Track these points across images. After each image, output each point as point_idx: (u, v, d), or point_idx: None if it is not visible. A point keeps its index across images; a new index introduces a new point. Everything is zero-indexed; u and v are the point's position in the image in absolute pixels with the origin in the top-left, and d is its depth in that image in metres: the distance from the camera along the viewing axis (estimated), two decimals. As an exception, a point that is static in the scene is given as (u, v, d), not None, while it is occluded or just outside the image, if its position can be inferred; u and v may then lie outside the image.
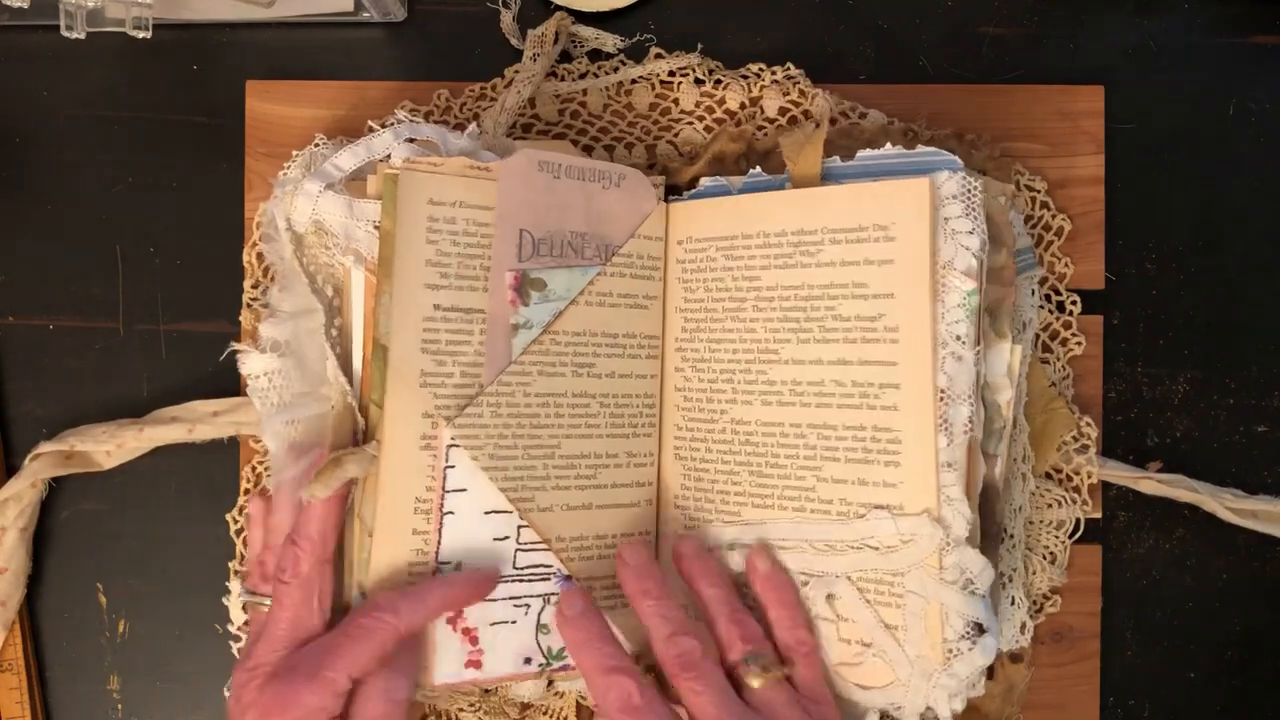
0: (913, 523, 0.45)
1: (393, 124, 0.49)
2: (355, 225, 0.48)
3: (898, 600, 0.46)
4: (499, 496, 0.48)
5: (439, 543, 0.47)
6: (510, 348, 0.49)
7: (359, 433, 0.47)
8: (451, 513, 0.48)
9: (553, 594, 0.50)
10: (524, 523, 0.49)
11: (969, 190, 0.46)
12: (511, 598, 0.49)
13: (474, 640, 0.48)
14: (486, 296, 0.48)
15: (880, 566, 0.46)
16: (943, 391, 0.45)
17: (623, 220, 0.51)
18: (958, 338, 0.45)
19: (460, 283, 0.48)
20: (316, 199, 0.48)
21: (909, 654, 0.46)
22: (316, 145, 0.51)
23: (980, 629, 0.45)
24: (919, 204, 0.46)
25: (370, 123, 0.50)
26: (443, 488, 0.47)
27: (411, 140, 0.48)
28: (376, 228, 0.47)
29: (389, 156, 0.48)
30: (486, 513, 0.48)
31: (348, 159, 0.48)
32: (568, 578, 0.50)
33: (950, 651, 0.45)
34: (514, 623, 0.49)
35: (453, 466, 0.47)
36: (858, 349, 0.47)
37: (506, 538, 0.49)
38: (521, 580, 0.49)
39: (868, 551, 0.46)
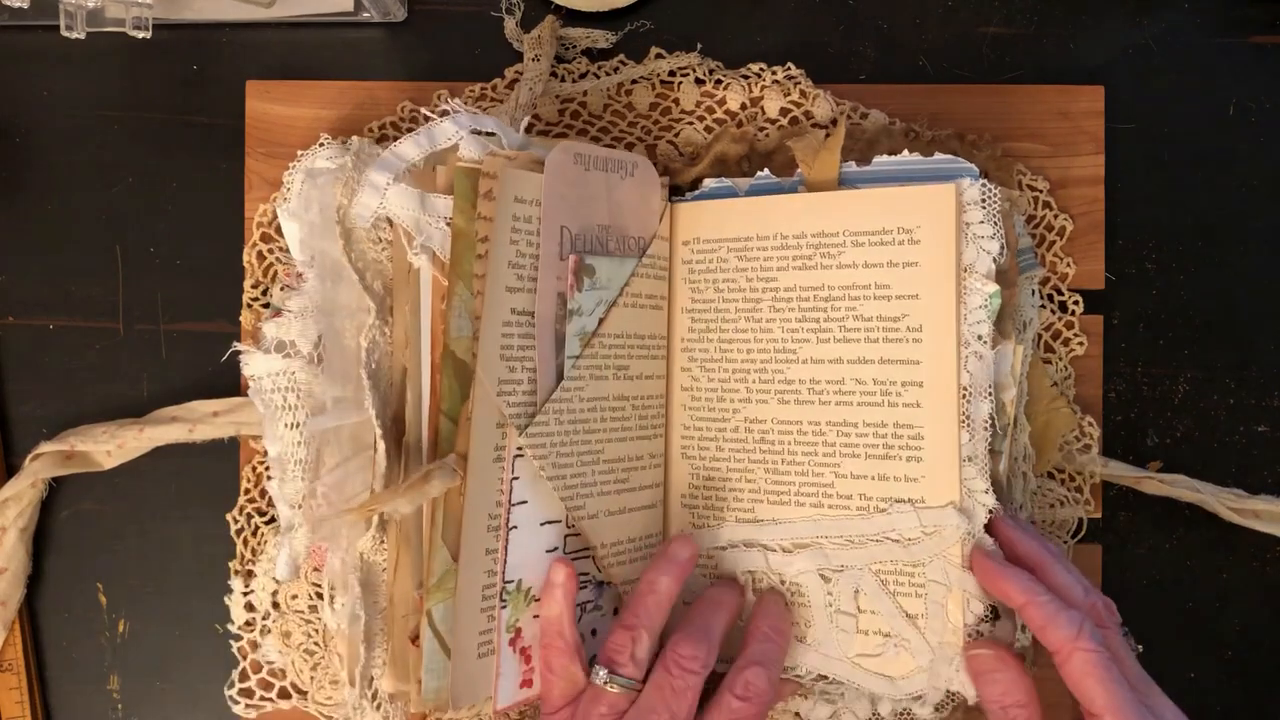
0: (936, 514, 0.46)
1: (448, 112, 0.46)
2: (428, 221, 0.44)
3: (918, 590, 0.47)
4: (552, 507, 0.46)
5: (505, 561, 0.45)
6: (559, 343, 0.45)
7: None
8: (515, 527, 0.45)
9: (589, 601, 0.48)
10: (570, 531, 0.47)
11: (988, 197, 0.47)
12: None
13: (528, 659, 0.46)
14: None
15: (900, 558, 0.47)
16: (965, 389, 0.46)
17: (637, 212, 0.49)
18: (979, 337, 0.46)
19: (532, 284, 0.45)
20: (385, 191, 0.45)
21: (930, 641, 0.46)
22: (321, 144, 0.50)
23: (996, 613, 0.46)
24: (945, 209, 0.46)
25: (428, 108, 0.47)
26: (509, 501, 0.45)
27: (477, 132, 0.45)
28: (448, 223, 0.44)
29: (454, 147, 0.45)
30: (542, 524, 0.46)
31: (411, 149, 0.45)
32: (601, 584, 0.49)
33: (970, 636, 0.46)
34: None
35: (517, 478, 0.45)
36: (879, 348, 0.47)
37: (555, 549, 0.47)
38: None
39: (888, 544, 0.47)
